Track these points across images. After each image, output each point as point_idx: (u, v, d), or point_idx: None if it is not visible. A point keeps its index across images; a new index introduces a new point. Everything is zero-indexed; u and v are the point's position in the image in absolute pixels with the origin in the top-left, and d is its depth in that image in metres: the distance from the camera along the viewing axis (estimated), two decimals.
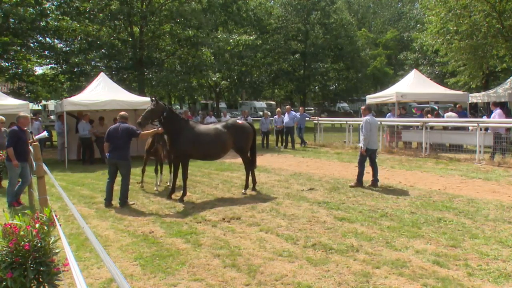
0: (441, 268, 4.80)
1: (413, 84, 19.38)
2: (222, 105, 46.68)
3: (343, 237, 6.03)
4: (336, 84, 48.65)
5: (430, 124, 15.63)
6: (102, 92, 15.86)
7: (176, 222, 7.09)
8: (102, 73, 17.57)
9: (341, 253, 5.38)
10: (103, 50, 26.38)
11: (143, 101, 16.40)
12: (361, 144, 9.74)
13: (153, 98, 8.79)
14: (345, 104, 54.48)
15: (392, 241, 5.78)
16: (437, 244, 5.63)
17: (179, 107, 47.77)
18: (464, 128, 15.65)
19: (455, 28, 21.24)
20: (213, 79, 28.95)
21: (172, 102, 51.98)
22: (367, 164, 9.81)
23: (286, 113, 19.80)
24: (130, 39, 25.78)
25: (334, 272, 4.80)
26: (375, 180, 9.67)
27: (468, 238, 5.82)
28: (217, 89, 42.03)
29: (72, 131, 16.21)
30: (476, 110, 23.21)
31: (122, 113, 9.13)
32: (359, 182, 9.64)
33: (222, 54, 31.23)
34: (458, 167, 12.14)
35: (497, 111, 14.55)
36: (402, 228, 6.34)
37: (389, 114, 19.38)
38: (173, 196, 9.04)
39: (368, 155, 9.77)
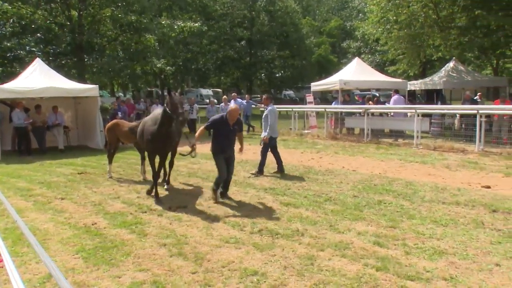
0: (381, 248, 5.02)
1: (356, 72, 19.93)
2: None
3: (289, 222, 6.14)
4: (282, 72, 49.10)
5: (371, 110, 16.19)
6: (38, 78, 15.00)
7: (121, 213, 6.91)
8: (37, 59, 16.60)
9: (287, 238, 5.48)
10: (38, 34, 24.94)
11: (84, 89, 15.76)
12: (265, 134, 9.86)
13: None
14: (291, 92, 55.17)
15: (335, 224, 5.96)
16: (377, 225, 5.87)
17: (122, 95, 46.27)
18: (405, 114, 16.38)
19: (394, 17, 21.98)
20: (158, 65, 28.16)
21: (115, 90, 50.31)
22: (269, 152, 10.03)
23: (232, 100, 19.76)
24: (68, 23, 24.53)
25: (280, 256, 4.88)
26: (280, 167, 9.92)
27: (406, 219, 6.11)
28: (162, 76, 41.10)
29: (6, 121, 15.29)
30: (414, 97, 24.27)
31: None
32: (260, 171, 9.82)
33: (167, 40, 30.49)
34: (397, 151, 12.69)
35: (395, 97, 16.41)
36: (345, 212, 6.55)
37: (334, 102, 19.85)
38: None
39: (272, 144, 9.96)
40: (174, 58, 36.71)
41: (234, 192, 8.10)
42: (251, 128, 20.28)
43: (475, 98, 18.67)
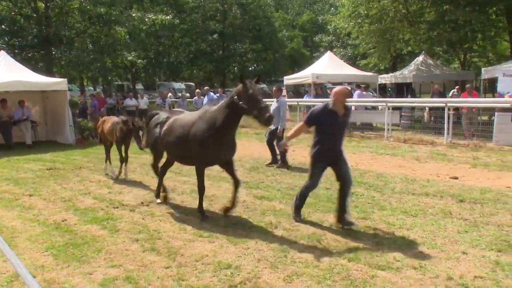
0: (353, 239, 5.10)
1: (328, 65, 20.12)
2: (139, 86, 45.09)
3: (262, 215, 6.16)
4: (255, 65, 49.04)
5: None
6: (4, 72, 14.48)
7: (91, 209, 6.78)
8: (2, 52, 16.03)
9: (260, 231, 5.50)
10: (3, 26, 24.10)
11: (52, 82, 15.34)
12: (277, 126, 9.67)
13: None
14: (264, 85, 55.19)
15: (308, 216, 6.02)
16: (350, 216, 5.95)
17: (92, 88, 45.30)
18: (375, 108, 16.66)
19: (365, 12, 22.27)
20: (129, 59, 27.67)
21: (85, 84, 49.17)
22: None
23: (206, 94, 19.62)
24: (34, 15, 23.81)
25: (253, 249, 4.90)
26: (283, 158, 9.92)
27: (377, 210, 6.23)
28: (133, 70, 40.44)
29: None
30: (385, 91, 24.69)
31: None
32: (284, 162, 9.75)
33: (138, 33, 30.00)
34: (368, 144, 12.90)
35: (357, 92, 16.78)
36: (318, 204, 6.62)
37: (306, 95, 19.99)
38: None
39: (277, 136, 9.77)
40: (145, 51, 36.19)
41: (207, 186, 8.03)
42: None
43: (452, 91, 19.05)
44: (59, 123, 15.91)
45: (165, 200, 6.99)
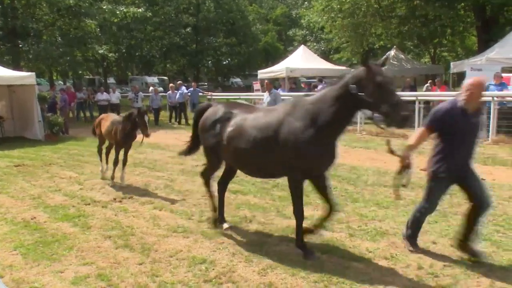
0: (327, 231, 5.15)
1: (302, 59, 20.22)
2: (111, 80, 44.28)
3: (237, 209, 6.16)
4: (229, 59, 48.84)
5: None
6: None
7: (62, 206, 6.64)
8: None
9: (235, 225, 5.49)
10: None
11: (19, 76, 14.87)
12: None
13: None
14: (238, 79, 55.07)
15: (283, 210, 6.05)
16: (323, 210, 6.00)
17: (62, 83, 44.19)
18: None
19: (338, 6, 22.42)
20: (100, 52, 27.06)
21: (54, 78, 47.94)
22: None
23: (178, 88, 19.46)
24: (0, 6, 22.99)
25: (228, 243, 4.89)
26: None
27: (350, 202, 6.32)
28: (105, 64, 39.64)
29: None
30: None
31: None
32: None
33: (109, 26, 29.39)
34: (342, 137, 13.02)
35: (320, 87, 16.66)
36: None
37: (279, 89, 20.03)
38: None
39: None
40: (117, 45, 35.53)
41: (181, 181, 8.01)
42: None
43: (426, 85, 19.31)
44: (27, 119, 15.46)
45: (216, 224, 5.41)
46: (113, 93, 20.88)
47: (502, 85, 12.16)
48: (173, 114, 19.79)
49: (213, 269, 4.26)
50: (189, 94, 19.88)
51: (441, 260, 4.30)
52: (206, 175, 5.57)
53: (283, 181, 7.62)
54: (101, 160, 8.52)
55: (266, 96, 10.23)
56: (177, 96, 19.00)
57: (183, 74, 50.95)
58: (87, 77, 43.09)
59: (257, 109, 5.11)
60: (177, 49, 43.54)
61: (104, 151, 8.51)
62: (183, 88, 19.83)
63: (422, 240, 4.79)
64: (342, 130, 4.42)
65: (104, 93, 20.92)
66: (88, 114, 21.93)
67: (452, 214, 5.65)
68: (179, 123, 19.12)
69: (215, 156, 5.20)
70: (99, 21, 25.90)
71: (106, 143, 8.48)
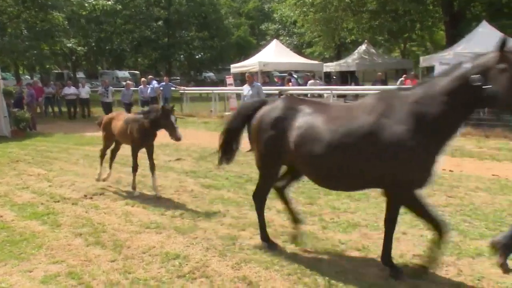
0: (301, 224, 5.19)
1: (275, 54, 20.26)
2: (80, 75, 43.27)
3: (211, 204, 6.14)
4: (202, 53, 48.44)
5: (289, 92, 16.54)
6: None
7: (30, 204, 6.46)
8: None
9: (209, 220, 5.48)
10: None
11: None
12: None
13: None
14: (211, 74, 54.72)
15: None
16: (296, 203, 6.04)
17: (29, 77, 42.90)
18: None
19: (310, 0, 22.53)
20: (68, 46, 26.38)
21: (21, 72, 46.51)
22: None
23: (149, 83, 19.21)
24: None
25: (202, 238, 4.87)
26: None
27: (323, 195, 6.38)
28: (74, 58, 38.69)
29: None
30: (329, 79, 25.25)
31: None
32: None
33: (77, 19, 28.65)
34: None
35: (310, 82, 17.59)
36: None
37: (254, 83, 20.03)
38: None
39: None
40: (86, 38, 34.76)
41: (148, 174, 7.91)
42: None
43: (400, 79, 19.55)
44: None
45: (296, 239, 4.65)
46: (82, 88, 20.41)
47: None
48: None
49: (187, 264, 4.24)
50: (161, 88, 19.63)
51: (411, 250, 4.40)
52: (261, 194, 4.56)
53: (257, 175, 7.62)
54: (100, 164, 7.52)
55: (247, 89, 10.15)
56: (149, 90, 18.74)
57: (155, 68, 50.21)
58: (55, 71, 41.95)
59: (329, 106, 4.23)
60: (149, 42, 42.84)
61: (108, 155, 7.61)
62: (154, 82, 19.57)
63: None
64: (455, 135, 3.54)
65: (72, 87, 20.40)
66: (56, 109, 21.40)
67: None
68: None
69: (276, 164, 4.30)
70: (67, 13, 25.23)
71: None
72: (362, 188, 4.17)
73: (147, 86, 18.91)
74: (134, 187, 6.86)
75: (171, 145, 11.07)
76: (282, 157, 4.15)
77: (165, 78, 21.78)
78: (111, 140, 7.39)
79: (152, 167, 6.73)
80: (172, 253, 4.49)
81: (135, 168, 6.85)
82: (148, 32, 42.72)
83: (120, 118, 7.02)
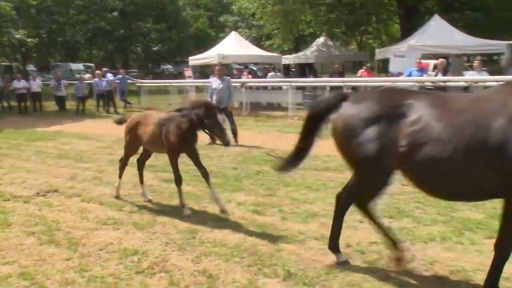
0: (260, 216, 5.23)
1: (234, 46, 20.17)
2: (31, 67, 41.48)
3: (170, 198, 6.07)
4: (159, 45, 47.55)
5: (249, 84, 16.56)
6: None
7: None
8: None
9: (168, 214, 5.41)
10: None
11: None
12: (230, 103, 10.09)
13: None
14: (169, 66, 53.87)
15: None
16: (256, 195, 6.09)
17: None
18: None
19: None
20: (16, 37, 25.21)
21: None
22: None
23: (104, 75, 18.73)
24: None
25: (161, 233, 4.81)
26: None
27: (282, 187, 6.43)
28: (23, 49, 37.03)
29: None
30: (288, 71, 25.44)
31: None
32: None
33: (27, 9, 27.40)
34: (274, 123, 13.24)
35: (270, 74, 17.77)
36: (225, 184, 6.67)
37: (211, 76, 19.89)
38: None
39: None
40: (36, 29, 33.28)
41: (111, 172, 7.71)
42: (128, 105, 19.52)
43: (360, 71, 19.80)
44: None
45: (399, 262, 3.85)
46: (33, 81, 19.60)
47: (422, 70, 12.97)
48: (101, 103, 19.02)
49: (146, 259, 4.17)
50: (118, 81, 19.16)
51: (367, 237, 4.51)
52: (350, 199, 4.00)
53: (217, 168, 7.62)
54: (119, 177, 6.19)
55: (216, 83, 9.99)
56: (104, 83, 18.24)
57: (110, 60, 48.84)
58: (4, 64, 40.03)
59: (447, 99, 3.37)
60: (104, 34, 41.58)
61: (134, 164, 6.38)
62: (109, 75, 19.06)
63: (350, 219, 4.99)
64: None
65: (22, 80, 19.53)
66: (5, 103, 20.44)
67: None
68: (108, 111, 18.40)
69: (382, 169, 3.49)
70: (14, 3, 24.08)
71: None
72: (492, 198, 3.37)
73: (102, 79, 18.39)
74: (182, 204, 5.51)
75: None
76: (391, 161, 3.38)
77: (121, 71, 21.28)
78: (136, 148, 6.18)
79: (205, 175, 5.50)
80: (130, 249, 4.40)
81: (178, 180, 5.56)
82: (103, 23, 41.46)
83: (149, 122, 5.68)
